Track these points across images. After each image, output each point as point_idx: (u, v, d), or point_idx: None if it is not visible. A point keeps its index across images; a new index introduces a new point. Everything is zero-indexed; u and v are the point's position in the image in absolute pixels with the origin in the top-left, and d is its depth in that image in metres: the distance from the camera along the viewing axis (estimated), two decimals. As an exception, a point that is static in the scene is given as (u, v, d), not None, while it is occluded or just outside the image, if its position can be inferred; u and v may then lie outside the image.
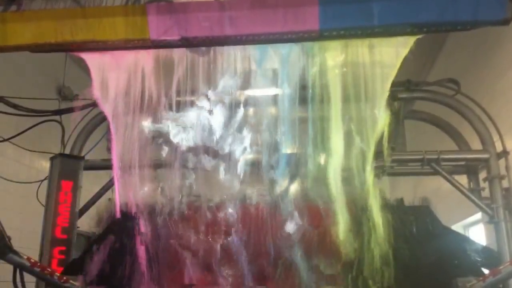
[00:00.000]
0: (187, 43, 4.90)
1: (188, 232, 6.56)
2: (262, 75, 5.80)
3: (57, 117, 7.05)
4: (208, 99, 6.27)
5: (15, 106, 6.74)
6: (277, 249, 6.13)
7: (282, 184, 6.50)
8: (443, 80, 7.19)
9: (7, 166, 7.71)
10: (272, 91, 5.98)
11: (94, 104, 6.87)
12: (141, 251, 6.24)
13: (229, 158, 6.64)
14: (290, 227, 6.25)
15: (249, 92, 6.12)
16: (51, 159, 6.85)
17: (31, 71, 8.36)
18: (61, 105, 7.43)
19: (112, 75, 5.61)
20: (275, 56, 5.58)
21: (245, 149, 6.55)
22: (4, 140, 6.79)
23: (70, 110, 7.13)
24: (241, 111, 6.24)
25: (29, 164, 8.51)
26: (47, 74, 8.26)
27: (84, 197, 7.04)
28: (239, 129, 6.34)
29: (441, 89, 7.21)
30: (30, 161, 8.49)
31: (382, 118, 5.63)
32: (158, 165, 6.67)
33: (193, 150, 6.51)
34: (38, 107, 7.08)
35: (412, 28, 4.80)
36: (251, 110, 6.29)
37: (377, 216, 5.91)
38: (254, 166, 6.55)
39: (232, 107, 6.24)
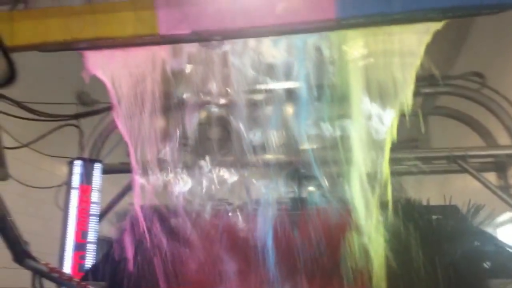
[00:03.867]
0: (198, 37, 4.53)
1: (209, 236, 6.23)
2: (279, 69, 5.42)
3: (75, 122, 6.82)
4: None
5: (32, 112, 6.51)
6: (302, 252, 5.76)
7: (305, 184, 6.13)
8: (467, 73, 6.73)
9: (29, 171, 7.50)
10: (288, 84, 5.61)
11: (111, 108, 6.62)
12: (160, 254, 5.91)
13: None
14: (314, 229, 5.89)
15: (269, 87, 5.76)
16: (69, 163, 6.62)
17: (50, 77, 8.17)
18: (79, 110, 7.21)
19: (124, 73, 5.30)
20: (291, 48, 5.22)
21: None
22: (23, 146, 6.55)
23: (87, 114, 6.89)
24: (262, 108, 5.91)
25: (50, 170, 8.31)
26: (66, 80, 8.05)
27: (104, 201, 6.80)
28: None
29: (466, 83, 6.75)
30: (51, 167, 8.28)
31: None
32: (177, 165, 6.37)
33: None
34: (57, 113, 6.86)
35: (435, 13, 4.34)
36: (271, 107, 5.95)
37: (405, 216, 5.48)
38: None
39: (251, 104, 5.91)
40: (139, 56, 5.21)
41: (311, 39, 5.06)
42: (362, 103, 5.22)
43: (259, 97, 5.97)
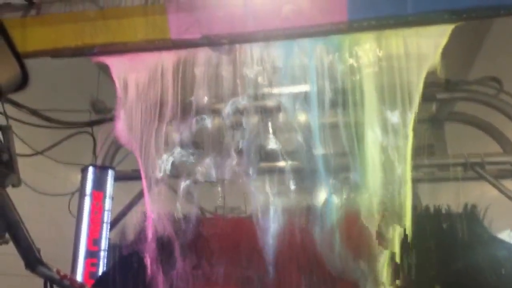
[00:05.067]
0: (208, 41, 4.46)
1: (220, 246, 6.13)
2: (289, 73, 5.30)
3: (88, 129, 6.79)
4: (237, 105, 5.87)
5: (47, 119, 6.50)
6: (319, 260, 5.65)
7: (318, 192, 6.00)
8: (484, 78, 6.52)
9: (43, 178, 7.49)
10: (300, 88, 5.48)
11: (124, 115, 6.58)
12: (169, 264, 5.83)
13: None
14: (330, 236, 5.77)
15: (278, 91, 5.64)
16: (82, 170, 6.58)
17: (66, 86, 8.18)
18: (93, 118, 7.19)
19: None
20: (302, 53, 5.10)
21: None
22: (37, 153, 6.53)
23: (101, 122, 6.86)
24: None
25: (65, 177, 8.30)
26: (82, 88, 8.06)
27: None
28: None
29: (483, 89, 6.55)
30: (65, 174, 8.27)
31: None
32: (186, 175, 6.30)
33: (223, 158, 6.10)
34: (71, 121, 6.84)
35: (450, 15, 4.19)
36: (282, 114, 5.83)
37: (420, 223, 5.33)
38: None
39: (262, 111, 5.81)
40: (149, 63, 5.18)
41: (323, 42, 4.97)
42: (376, 108, 5.10)
43: (271, 103, 5.87)
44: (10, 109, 5.76)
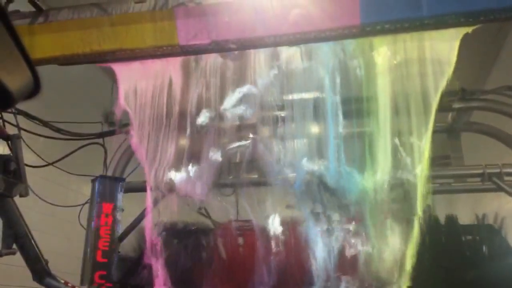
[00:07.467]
0: (217, 47, 4.28)
1: (230, 255, 5.93)
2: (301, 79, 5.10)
3: (100, 140, 6.65)
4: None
5: (58, 131, 6.38)
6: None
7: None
8: (501, 87, 6.26)
9: (55, 190, 7.39)
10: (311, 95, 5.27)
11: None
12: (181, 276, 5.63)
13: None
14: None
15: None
16: (92, 181, 6.43)
17: (79, 98, 8.14)
18: (105, 129, 7.08)
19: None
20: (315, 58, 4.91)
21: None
22: (49, 164, 6.39)
23: (112, 133, 6.71)
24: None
25: (77, 189, 8.18)
26: (95, 101, 7.98)
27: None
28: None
29: (500, 98, 6.29)
30: (77, 185, 8.16)
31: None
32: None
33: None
34: (82, 132, 6.72)
35: (466, 17, 3.95)
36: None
37: (438, 235, 5.08)
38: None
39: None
40: (158, 72, 5.04)
41: (335, 48, 4.78)
42: (389, 116, 4.88)
43: (282, 113, 5.67)
44: (22, 121, 5.66)
